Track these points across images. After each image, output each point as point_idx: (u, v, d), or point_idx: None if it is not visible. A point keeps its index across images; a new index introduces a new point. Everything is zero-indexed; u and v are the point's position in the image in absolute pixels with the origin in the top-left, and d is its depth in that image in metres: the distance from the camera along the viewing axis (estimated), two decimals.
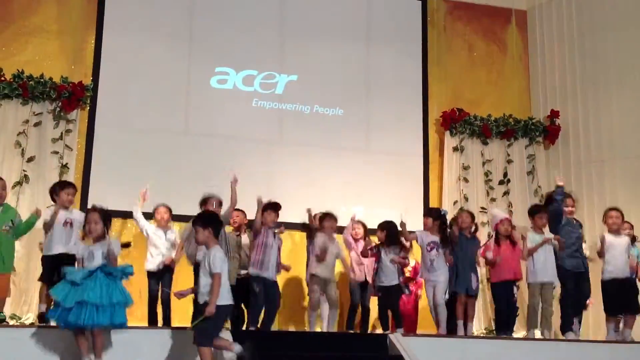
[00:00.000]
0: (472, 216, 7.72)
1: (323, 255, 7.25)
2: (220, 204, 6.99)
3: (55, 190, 6.91)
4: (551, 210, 7.55)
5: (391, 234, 7.42)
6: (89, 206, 8.33)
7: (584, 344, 7.15)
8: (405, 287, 7.45)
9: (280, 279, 7.50)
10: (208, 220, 5.64)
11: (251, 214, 7.35)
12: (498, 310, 7.46)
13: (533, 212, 7.63)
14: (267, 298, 6.91)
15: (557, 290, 7.71)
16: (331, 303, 7.38)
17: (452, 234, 7.40)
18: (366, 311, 7.79)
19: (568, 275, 7.39)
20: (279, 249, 7.19)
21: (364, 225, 7.94)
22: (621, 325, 7.44)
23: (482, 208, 9.91)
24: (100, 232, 5.66)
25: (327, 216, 7.48)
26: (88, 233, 5.67)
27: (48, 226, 6.73)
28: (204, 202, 7.02)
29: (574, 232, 7.55)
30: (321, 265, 7.30)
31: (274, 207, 7.17)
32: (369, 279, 7.64)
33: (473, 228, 7.58)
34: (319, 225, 7.44)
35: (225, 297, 5.42)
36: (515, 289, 7.35)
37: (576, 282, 7.40)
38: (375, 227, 7.67)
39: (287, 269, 7.58)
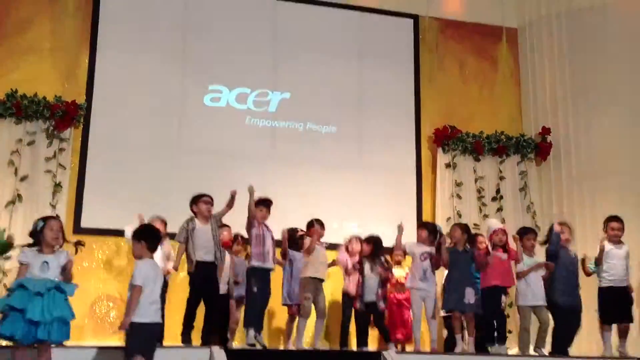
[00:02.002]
0: (465, 229, 7.64)
1: (310, 249, 7.30)
2: (211, 201, 7.09)
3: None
4: (547, 251, 7.56)
5: (376, 248, 7.46)
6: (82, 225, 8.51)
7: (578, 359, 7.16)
8: (383, 300, 7.42)
9: None
10: (143, 233, 5.59)
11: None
12: (485, 318, 7.36)
13: (521, 234, 7.64)
14: (263, 291, 6.97)
15: None
16: (319, 313, 7.38)
17: (442, 255, 7.38)
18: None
19: (559, 310, 7.36)
20: (272, 239, 7.26)
21: (361, 242, 7.94)
22: (614, 336, 7.44)
23: (475, 224, 9.93)
24: (61, 243, 5.53)
25: (316, 222, 7.53)
26: (51, 240, 5.42)
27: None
28: (196, 199, 7.10)
29: (569, 266, 7.51)
30: (313, 267, 7.33)
31: (265, 202, 7.20)
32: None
33: (466, 241, 7.54)
34: (308, 231, 7.52)
35: (149, 315, 5.30)
36: (503, 297, 7.33)
37: (567, 318, 7.36)
38: None
39: (281, 263, 7.64)
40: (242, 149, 9.49)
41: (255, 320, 6.89)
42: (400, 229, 7.43)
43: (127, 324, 5.23)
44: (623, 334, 7.40)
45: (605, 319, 7.50)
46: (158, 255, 7.13)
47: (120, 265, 8.56)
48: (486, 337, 7.32)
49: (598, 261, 7.52)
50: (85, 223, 8.62)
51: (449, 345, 7.58)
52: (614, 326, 7.51)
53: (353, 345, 7.78)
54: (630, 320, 7.45)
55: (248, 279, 7.10)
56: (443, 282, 7.57)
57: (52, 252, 5.43)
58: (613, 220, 7.64)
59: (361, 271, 7.50)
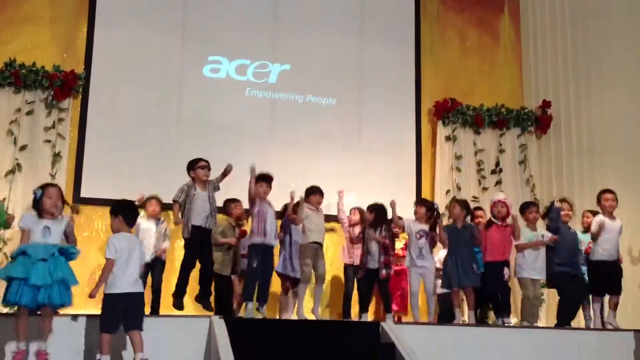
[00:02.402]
0: (464, 205, 7.64)
1: (299, 218, 7.35)
2: (208, 166, 7.18)
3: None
4: (547, 227, 7.58)
5: (379, 216, 7.46)
6: (82, 195, 8.51)
7: (576, 332, 7.21)
8: (386, 267, 7.45)
9: None
10: (119, 208, 5.61)
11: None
12: (490, 291, 7.41)
13: (523, 208, 7.67)
14: (264, 267, 6.95)
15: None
16: (319, 279, 7.51)
17: (439, 234, 7.43)
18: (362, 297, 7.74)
19: (560, 278, 7.41)
20: (274, 216, 7.22)
21: (360, 211, 7.96)
22: (607, 308, 7.51)
23: (474, 197, 9.95)
24: (60, 210, 5.54)
25: (314, 189, 7.60)
26: (50, 208, 5.41)
27: None
28: (193, 164, 7.17)
29: (570, 242, 7.51)
30: (311, 233, 7.44)
31: (266, 178, 7.16)
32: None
33: (466, 217, 7.55)
34: (306, 199, 7.59)
35: (123, 286, 5.36)
36: (506, 270, 7.36)
37: (571, 289, 7.39)
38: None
39: (281, 238, 7.62)
40: (241, 121, 9.46)
41: (252, 294, 6.89)
42: (392, 204, 7.43)
43: (95, 294, 5.35)
44: (613, 307, 7.48)
45: (596, 292, 7.56)
46: (153, 234, 7.21)
47: None
48: (496, 311, 7.38)
49: (594, 236, 7.53)
50: (85, 193, 8.62)
51: (443, 320, 7.64)
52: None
53: (356, 316, 7.81)
54: (619, 292, 7.51)
55: (249, 254, 7.10)
56: (443, 259, 7.58)
57: (53, 218, 5.44)
58: (606, 192, 7.68)
59: (364, 239, 7.52)
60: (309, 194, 7.68)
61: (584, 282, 7.55)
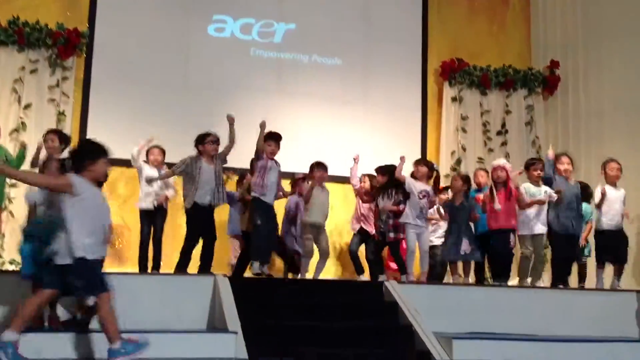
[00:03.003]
0: (465, 179, 7.61)
1: (307, 197, 7.36)
2: (217, 141, 6.91)
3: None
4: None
5: (392, 179, 7.43)
6: None
7: (576, 292, 7.24)
8: (392, 231, 7.45)
9: None
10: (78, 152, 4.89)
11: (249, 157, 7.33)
12: (494, 258, 7.47)
13: (528, 165, 7.64)
14: (267, 224, 6.92)
15: None
16: (322, 253, 7.46)
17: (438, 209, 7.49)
18: (371, 263, 7.75)
19: (557, 238, 7.38)
20: (279, 173, 7.16)
21: (370, 178, 7.93)
22: (610, 274, 7.54)
23: (480, 158, 9.92)
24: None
25: (317, 165, 7.52)
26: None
27: (34, 161, 6.66)
28: (202, 138, 6.90)
29: (571, 197, 7.41)
30: (313, 213, 7.38)
31: (275, 137, 7.09)
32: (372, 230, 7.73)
33: (465, 192, 7.51)
34: (310, 174, 7.51)
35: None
36: (512, 236, 7.36)
37: (565, 244, 7.37)
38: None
39: (286, 195, 7.67)
40: (246, 80, 9.42)
41: (258, 252, 6.90)
42: (402, 160, 7.40)
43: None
44: (618, 272, 7.51)
45: (600, 260, 7.58)
46: (157, 182, 7.17)
47: (124, 193, 8.62)
48: (494, 275, 7.41)
49: (598, 206, 7.51)
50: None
51: (433, 275, 7.70)
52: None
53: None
54: (625, 260, 7.53)
55: (251, 210, 7.09)
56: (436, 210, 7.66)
57: None
58: (612, 161, 7.64)
59: (376, 203, 7.53)
60: (312, 169, 7.51)
61: (577, 242, 7.53)
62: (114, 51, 9.00)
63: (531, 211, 7.33)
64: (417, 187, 7.40)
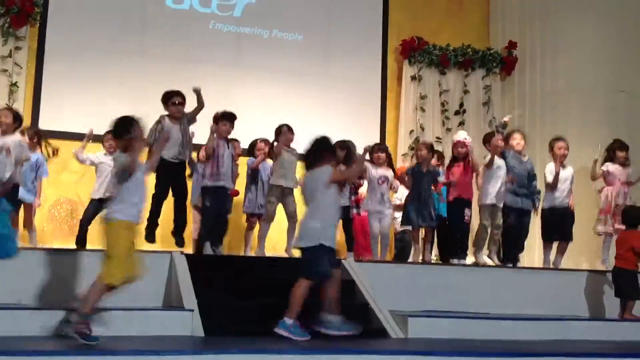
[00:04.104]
0: (430, 147, 7.62)
1: (276, 153, 7.17)
2: (183, 101, 6.86)
3: None
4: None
5: (349, 154, 7.42)
6: (40, 127, 8.30)
7: (528, 271, 7.39)
8: (355, 207, 7.45)
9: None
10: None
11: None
12: (450, 229, 7.51)
13: (489, 137, 7.71)
14: (218, 208, 6.85)
15: None
16: (289, 215, 7.27)
17: (402, 177, 7.48)
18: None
19: (508, 212, 7.47)
20: (233, 159, 7.09)
21: None
22: (553, 252, 7.69)
23: (438, 138, 10.00)
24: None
25: (284, 127, 7.31)
26: None
27: None
28: (167, 98, 6.85)
29: (522, 172, 7.55)
30: (281, 176, 7.17)
31: (230, 117, 6.93)
32: None
33: (431, 160, 7.55)
34: (276, 138, 7.31)
35: None
36: (467, 210, 7.45)
37: (516, 218, 7.47)
38: None
39: (236, 194, 7.52)
40: (205, 54, 9.30)
41: (208, 233, 6.83)
42: (367, 149, 7.33)
43: None
44: (561, 251, 7.68)
45: (547, 238, 7.74)
46: (110, 171, 6.99)
47: (80, 168, 8.44)
48: (450, 251, 7.49)
49: (552, 185, 7.62)
50: (43, 125, 8.42)
51: (399, 258, 7.77)
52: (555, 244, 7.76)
53: None
54: (570, 239, 7.69)
55: (202, 195, 6.99)
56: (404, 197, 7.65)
57: None
58: (559, 139, 7.75)
59: None
60: (277, 132, 7.31)
61: (528, 218, 7.65)
62: (69, 21, 8.78)
63: (489, 182, 7.39)
64: (377, 173, 7.40)
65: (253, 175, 7.66)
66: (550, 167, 7.69)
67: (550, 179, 7.63)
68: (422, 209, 7.24)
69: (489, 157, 7.44)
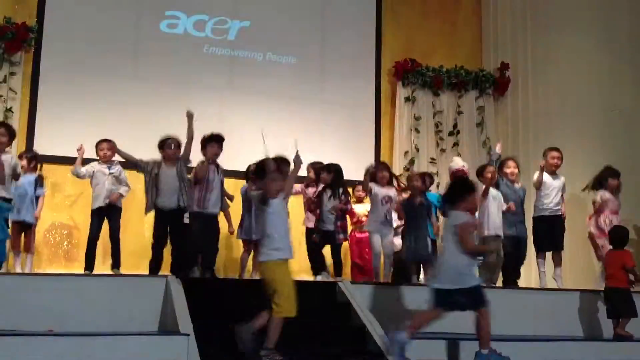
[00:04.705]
0: (424, 179, 7.57)
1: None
2: (178, 145, 6.73)
3: None
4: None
5: (337, 177, 7.42)
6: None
7: (523, 291, 7.39)
8: (341, 232, 7.46)
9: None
10: None
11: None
12: None
13: (479, 171, 7.70)
14: (206, 236, 6.76)
15: None
16: None
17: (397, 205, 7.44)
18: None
19: (505, 241, 7.44)
20: (221, 184, 6.94)
21: (315, 170, 7.85)
22: (548, 265, 7.67)
23: (432, 159, 10.03)
24: None
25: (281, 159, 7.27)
26: None
27: None
28: (162, 143, 6.74)
29: (515, 200, 7.55)
30: None
31: (217, 139, 6.82)
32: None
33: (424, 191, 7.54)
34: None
35: None
36: None
37: (511, 249, 7.45)
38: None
39: (231, 198, 7.51)
40: (199, 78, 9.33)
41: (194, 262, 6.75)
42: (368, 171, 7.30)
43: None
44: (557, 263, 7.67)
45: (539, 248, 7.74)
46: (107, 177, 7.00)
47: (74, 193, 8.44)
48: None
49: (537, 186, 7.66)
50: (37, 149, 8.40)
51: (398, 279, 7.73)
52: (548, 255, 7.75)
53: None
54: (561, 247, 7.67)
55: (190, 221, 6.83)
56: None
57: None
58: (552, 149, 7.81)
59: (320, 201, 7.44)
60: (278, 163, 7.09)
61: (525, 243, 7.66)
62: (64, 46, 8.81)
63: (492, 212, 7.38)
64: (381, 192, 7.36)
65: (248, 202, 7.64)
66: (535, 176, 7.73)
67: (534, 185, 7.67)
68: (417, 242, 7.18)
69: (483, 188, 7.43)
